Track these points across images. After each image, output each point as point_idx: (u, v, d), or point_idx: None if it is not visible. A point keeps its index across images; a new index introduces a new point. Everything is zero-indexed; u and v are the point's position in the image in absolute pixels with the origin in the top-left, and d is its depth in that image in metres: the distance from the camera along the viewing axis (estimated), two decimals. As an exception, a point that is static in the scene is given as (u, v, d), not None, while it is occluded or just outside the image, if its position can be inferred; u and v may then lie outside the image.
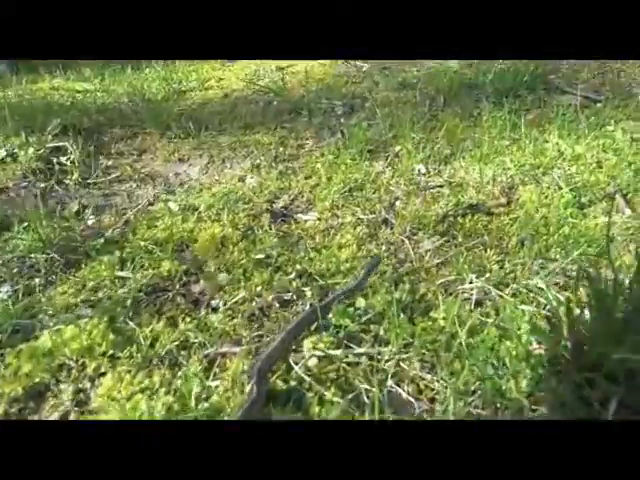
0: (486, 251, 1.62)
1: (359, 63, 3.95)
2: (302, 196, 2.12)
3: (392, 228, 1.81)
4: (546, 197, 1.86)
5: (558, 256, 1.54)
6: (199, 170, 2.47)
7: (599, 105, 2.78)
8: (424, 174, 2.32)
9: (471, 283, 1.41)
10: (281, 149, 2.59)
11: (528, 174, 2.08)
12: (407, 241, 1.71)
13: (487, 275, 1.45)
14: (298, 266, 1.59)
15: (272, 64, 3.95)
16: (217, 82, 3.75)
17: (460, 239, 1.70)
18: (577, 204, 1.77)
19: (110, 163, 2.53)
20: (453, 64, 3.59)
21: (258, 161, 2.46)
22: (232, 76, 3.83)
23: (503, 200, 1.90)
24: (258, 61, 4.02)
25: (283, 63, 3.94)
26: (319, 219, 1.91)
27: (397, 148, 2.53)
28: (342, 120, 2.94)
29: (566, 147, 2.19)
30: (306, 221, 1.92)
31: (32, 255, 1.69)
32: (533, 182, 2.03)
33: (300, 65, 3.89)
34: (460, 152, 2.38)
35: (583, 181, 1.95)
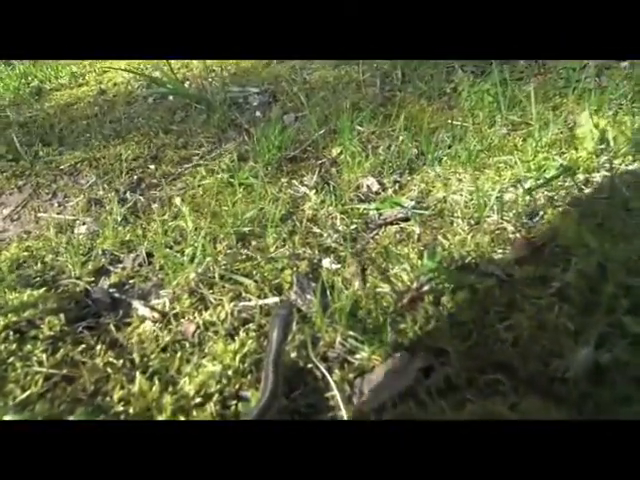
0: (514, 392, 0.68)
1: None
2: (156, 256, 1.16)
3: (306, 332, 0.86)
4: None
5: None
6: (9, 214, 1.49)
7: (625, 63, 1.90)
8: (376, 192, 1.39)
9: None
10: (152, 167, 1.62)
11: (556, 186, 1.16)
12: (332, 383, 0.76)
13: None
14: None
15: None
16: (99, 75, 2.74)
17: (457, 360, 0.75)
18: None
19: None
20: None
21: (101, 192, 1.48)
22: (122, 65, 2.81)
23: (525, 246, 0.96)
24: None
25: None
26: (162, 316, 0.94)
27: (335, 152, 1.59)
28: (258, 114, 1.98)
29: (609, 130, 1.28)
30: (143, 320, 0.96)
31: None
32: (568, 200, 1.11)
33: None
34: (432, 151, 1.45)
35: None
